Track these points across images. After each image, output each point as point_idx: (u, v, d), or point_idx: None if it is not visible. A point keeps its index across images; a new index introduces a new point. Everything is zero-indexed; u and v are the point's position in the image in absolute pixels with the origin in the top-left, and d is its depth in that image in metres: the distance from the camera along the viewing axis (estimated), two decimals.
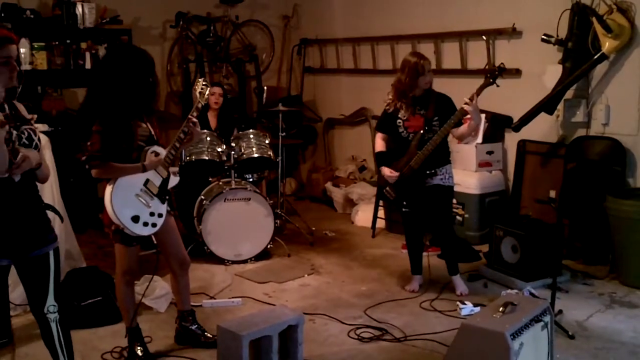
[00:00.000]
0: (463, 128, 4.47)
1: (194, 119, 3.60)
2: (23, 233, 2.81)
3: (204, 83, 3.76)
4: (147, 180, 3.45)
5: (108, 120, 3.36)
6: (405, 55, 4.58)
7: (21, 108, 2.89)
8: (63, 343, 2.94)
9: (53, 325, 2.90)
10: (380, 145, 4.67)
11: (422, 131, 4.44)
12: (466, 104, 4.27)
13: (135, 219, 3.37)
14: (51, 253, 2.88)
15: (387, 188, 4.57)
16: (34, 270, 2.86)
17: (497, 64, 5.78)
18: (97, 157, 3.32)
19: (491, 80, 4.37)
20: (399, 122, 4.51)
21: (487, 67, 5.99)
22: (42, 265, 2.86)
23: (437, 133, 4.39)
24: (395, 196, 4.56)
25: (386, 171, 4.52)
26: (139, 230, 3.39)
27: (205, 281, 4.97)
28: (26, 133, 2.77)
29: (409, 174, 4.46)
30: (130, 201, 3.37)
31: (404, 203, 4.57)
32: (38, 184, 2.97)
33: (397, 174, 4.48)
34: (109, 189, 3.34)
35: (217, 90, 6.10)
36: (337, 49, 7.90)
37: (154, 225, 3.45)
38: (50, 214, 3.02)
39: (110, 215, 3.33)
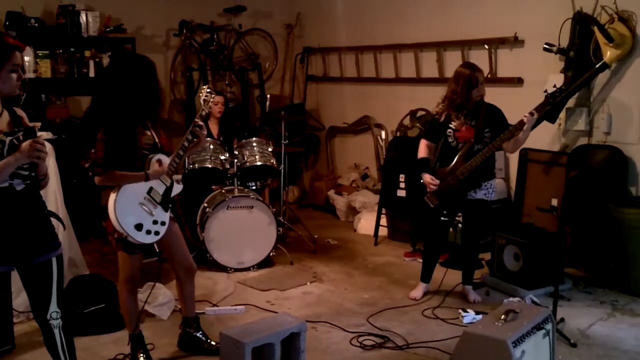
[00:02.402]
0: (516, 139, 4.39)
1: (201, 122, 3.62)
2: (25, 240, 2.82)
3: (208, 90, 3.78)
4: (151, 189, 3.47)
5: (113, 128, 3.38)
6: (458, 67, 4.53)
7: (22, 116, 2.90)
8: (66, 349, 2.95)
9: (56, 331, 2.91)
10: (423, 151, 4.61)
11: (472, 142, 4.43)
12: (526, 117, 4.27)
13: (139, 227, 3.39)
14: (54, 260, 2.89)
15: (429, 195, 4.54)
16: (37, 276, 2.87)
17: (499, 74, 5.86)
18: (101, 165, 3.34)
19: (551, 100, 4.39)
20: (449, 132, 4.48)
21: (489, 75, 6.01)
22: (45, 272, 2.87)
23: (488, 146, 4.37)
24: (437, 204, 4.54)
25: (428, 178, 4.49)
26: (142, 238, 3.41)
27: (207, 289, 4.98)
28: (20, 140, 2.76)
29: (455, 183, 4.45)
30: (134, 209, 3.39)
31: (444, 212, 4.56)
32: (42, 191, 2.99)
33: (437, 182, 4.45)
34: (112, 196, 3.36)
35: (220, 99, 6.14)
36: (340, 58, 7.93)
37: (156, 233, 3.46)
38: (54, 220, 3.03)
39: (113, 223, 3.35)
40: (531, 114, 4.31)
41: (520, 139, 4.38)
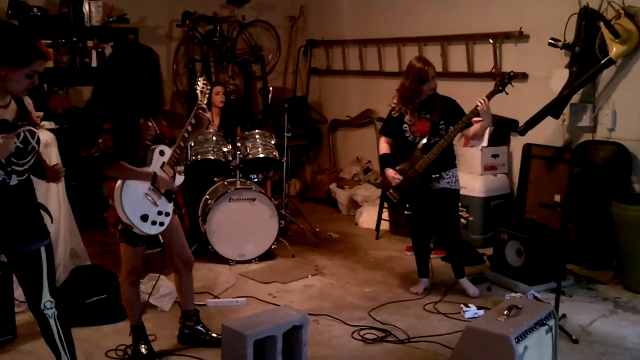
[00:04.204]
0: (475, 128, 4.47)
1: (204, 105, 3.61)
2: (13, 229, 2.82)
3: (204, 82, 3.77)
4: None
5: (119, 118, 3.36)
6: (410, 61, 4.59)
7: (27, 102, 2.89)
8: (63, 339, 2.95)
9: (51, 321, 2.91)
10: (384, 147, 4.67)
11: (428, 135, 4.45)
12: (479, 103, 4.30)
13: (145, 217, 3.37)
14: (42, 249, 2.88)
15: (391, 190, 4.58)
16: (26, 266, 2.88)
17: (503, 68, 5.84)
18: (111, 155, 3.31)
19: (500, 87, 4.39)
20: (405, 127, 4.52)
21: (493, 70, 5.99)
22: (34, 262, 2.87)
23: (444, 137, 4.40)
24: (399, 199, 4.57)
25: (391, 173, 4.53)
26: (147, 229, 3.39)
27: (209, 281, 4.97)
28: (22, 135, 2.75)
29: (415, 177, 4.46)
30: (139, 200, 3.37)
31: (407, 206, 4.58)
32: (43, 183, 2.98)
33: (400, 177, 4.48)
34: (118, 187, 3.33)
35: (221, 89, 6.14)
36: (344, 51, 7.91)
37: (161, 224, 3.45)
38: (52, 211, 3.02)
39: (119, 214, 3.33)
40: (483, 100, 4.31)
41: (484, 125, 4.42)
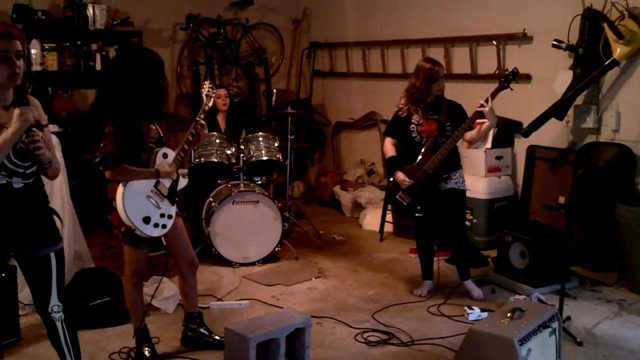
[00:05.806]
0: (473, 132, 4.51)
1: (202, 121, 3.63)
2: (22, 234, 2.82)
3: (210, 85, 3.79)
4: (158, 182, 3.46)
5: (120, 121, 3.37)
6: (419, 61, 4.59)
7: (35, 104, 2.85)
8: (69, 342, 2.95)
9: (58, 324, 2.92)
10: (390, 150, 4.65)
11: (435, 135, 4.45)
12: (482, 106, 4.31)
13: (147, 220, 3.38)
14: (52, 255, 2.88)
15: (400, 193, 4.55)
16: (36, 270, 2.88)
17: (508, 69, 5.82)
18: (111, 159, 3.32)
19: (505, 84, 4.40)
20: (413, 127, 4.51)
21: (496, 72, 5.98)
22: (44, 266, 2.87)
23: (451, 137, 4.41)
24: (409, 201, 4.55)
25: (400, 176, 4.51)
26: (149, 231, 3.40)
27: (212, 283, 4.98)
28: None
29: (424, 178, 4.45)
30: (142, 202, 3.38)
31: (418, 208, 4.56)
32: (49, 184, 2.98)
33: (410, 181, 4.46)
34: (120, 190, 3.35)
35: (223, 92, 6.14)
36: (347, 53, 7.91)
37: (164, 226, 3.46)
38: (61, 215, 3.02)
39: (121, 216, 3.34)
40: (482, 105, 4.32)
41: (489, 125, 4.42)
